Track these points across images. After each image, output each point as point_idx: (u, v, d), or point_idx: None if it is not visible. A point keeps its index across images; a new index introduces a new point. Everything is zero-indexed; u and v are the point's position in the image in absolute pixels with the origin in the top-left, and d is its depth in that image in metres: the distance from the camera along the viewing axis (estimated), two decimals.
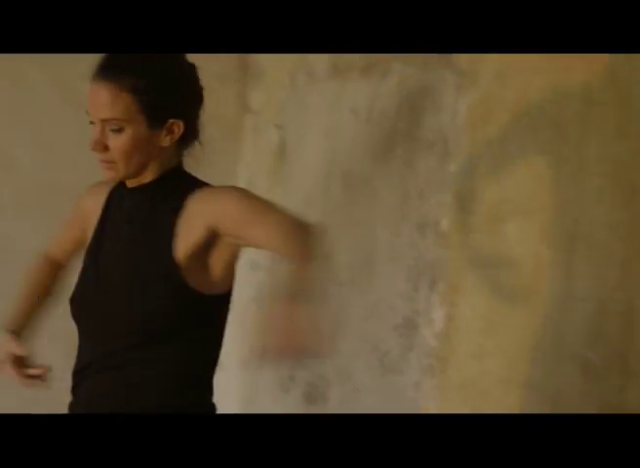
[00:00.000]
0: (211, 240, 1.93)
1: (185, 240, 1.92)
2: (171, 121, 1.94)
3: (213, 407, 2.03)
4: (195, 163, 2.07)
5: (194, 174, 2.05)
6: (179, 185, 1.97)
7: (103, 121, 1.88)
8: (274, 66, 3.59)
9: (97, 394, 1.96)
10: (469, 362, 2.69)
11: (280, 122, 3.54)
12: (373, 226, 3.04)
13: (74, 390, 2.02)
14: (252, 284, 3.58)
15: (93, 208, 2.08)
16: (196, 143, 2.06)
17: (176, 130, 1.95)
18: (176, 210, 1.92)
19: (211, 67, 3.62)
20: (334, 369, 3.13)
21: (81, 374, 1.99)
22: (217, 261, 1.95)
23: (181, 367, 1.95)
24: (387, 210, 2.99)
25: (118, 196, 2.02)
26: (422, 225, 2.83)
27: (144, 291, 1.90)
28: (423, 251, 2.83)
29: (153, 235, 1.93)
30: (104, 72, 1.88)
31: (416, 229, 2.85)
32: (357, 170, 3.13)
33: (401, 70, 2.96)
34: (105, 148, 1.90)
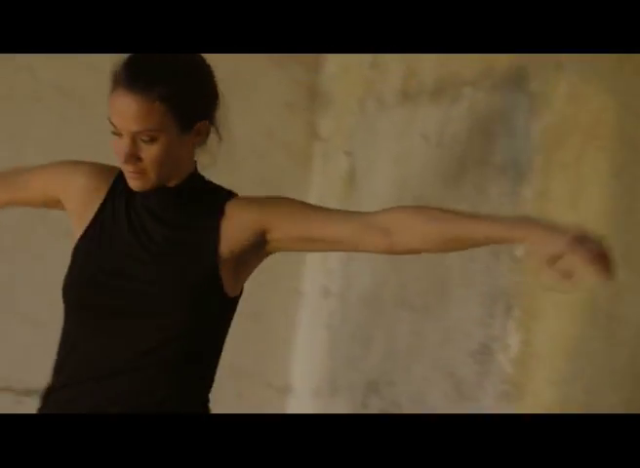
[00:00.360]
0: (255, 246, 1.95)
1: (229, 245, 1.93)
2: (199, 123, 1.94)
3: (208, 407, 2.03)
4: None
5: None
6: (206, 190, 2.01)
7: (135, 133, 1.84)
8: (343, 93, 3.59)
9: (108, 399, 1.91)
10: (547, 388, 2.64)
11: (349, 149, 3.54)
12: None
13: (69, 399, 1.95)
14: (323, 311, 3.57)
15: (85, 189, 2.02)
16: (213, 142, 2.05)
17: (204, 131, 1.96)
18: (216, 215, 1.94)
19: (281, 96, 3.69)
20: (407, 395, 3.10)
21: (87, 380, 1.94)
22: (250, 266, 2.00)
23: (193, 366, 1.96)
24: None
25: (129, 192, 1.95)
26: (497, 251, 2.80)
27: (181, 290, 1.90)
28: (498, 276, 2.80)
29: (193, 238, 1.93)
30: (132, 83, 1.82)
31: (490, 255, 2.81)
32: (428, 195, 3.11)
33: (472, 94, 2.95)
34: (138, 159, 1.87)
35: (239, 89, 3.66)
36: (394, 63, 3.26)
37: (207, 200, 1.97)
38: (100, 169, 2.06)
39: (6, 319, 3.33)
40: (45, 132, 3.44)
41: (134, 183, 1.89)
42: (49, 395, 2.02)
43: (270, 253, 2.02)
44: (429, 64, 3.08)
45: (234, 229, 1.94)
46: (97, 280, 1.94)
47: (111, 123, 1.85)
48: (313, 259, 3.69)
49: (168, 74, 1.86)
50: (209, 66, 1.99)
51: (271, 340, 3.71)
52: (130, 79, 1.83)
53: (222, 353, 3.60)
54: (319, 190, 3.71)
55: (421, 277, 3.08)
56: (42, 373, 3.41)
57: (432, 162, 3.10)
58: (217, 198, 1.98)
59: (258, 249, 1.97)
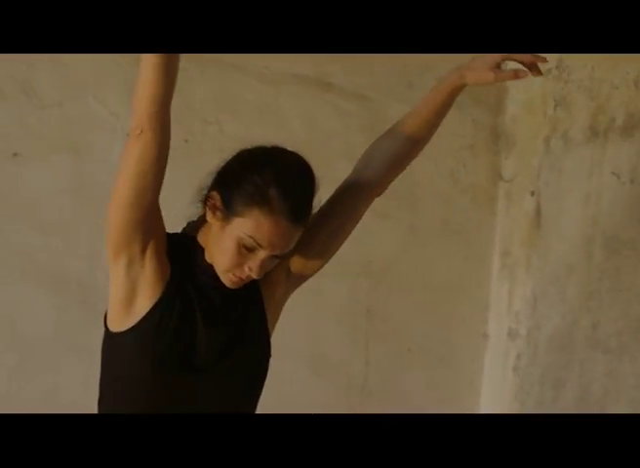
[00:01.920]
0: (286, 283, 2.08)
1: (271, 312, 2.06)
2: None
3: None
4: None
5: None
6: None
7: (277, 254, 1.91)
8: (526, 133, 3.55)
9: None
10: None
11: (535, 189, 3.48)
12: None
13: None
14: (510, 354, 3.51)
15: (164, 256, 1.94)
16: None
17: None
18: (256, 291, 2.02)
19: (463, 138, 3.67)
20: None
21: None
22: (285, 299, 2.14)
23: None
24: None
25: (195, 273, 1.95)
26: None
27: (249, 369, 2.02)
28: None
29: (250, 317, 2.01)
30: (300, 217, 1.91)
31: None
32: (621, 234, 3.02)
33: None
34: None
35: None
36: (581, 101, 3.21)
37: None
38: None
39: None
40: None
41: (234, 284, 1.94)
42: None
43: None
44: (620, 100, 3.01)
45: (271, 296, 2.07)
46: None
47: (253, 239, 1.88)
48: (499, 302, 3.64)
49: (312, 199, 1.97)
50: None
51: (458, 385, 3.67)
52: (295, 214, 1.89)
53: (410, 398, 3.62)
54: (504, 232, 3.66)
55: (616, 317, 2.99)
56: None
57: (624, 200, 3.01)
58: None
59: (287, 283, 2.10)
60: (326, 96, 3.53)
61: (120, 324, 1.89)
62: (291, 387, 3.51)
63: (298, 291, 3.52)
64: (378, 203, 3.68)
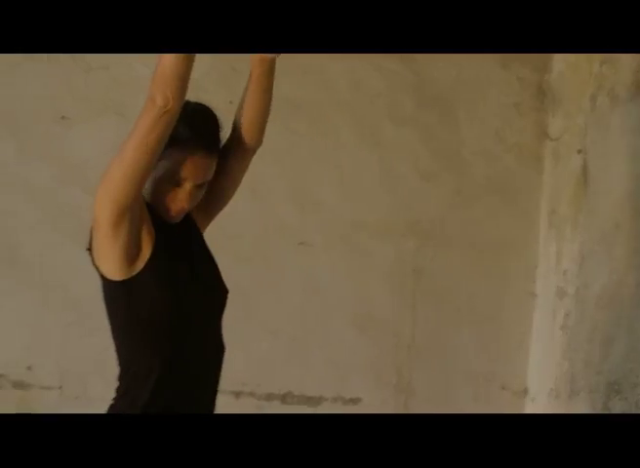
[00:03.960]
0: None
1: None
2: None
3: None
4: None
5: None
6: None
7: (200, 184, 2.17)
8: (572, 91, 3.52)
9: None
10: None
11: (582, 147, 3.46)
12: None
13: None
14: (558, 313, 3.51)
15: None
16: None
17: None
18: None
19: (508, 97, 3.65)
20: None
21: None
22: None
23: None
24: None
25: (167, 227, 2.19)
26: None
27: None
28: None
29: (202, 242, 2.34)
30: (214, 147, 2.18)
31: None
32: None
33: None
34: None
35: (466, 92, 3.67)
36: (626, 57, 3.17)
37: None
38: None
39: (246, 326, 3.45)
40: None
41: (175, 218, 2.20)
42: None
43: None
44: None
45: None
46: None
47: (180, 177, 2.13)
48: (546, 261, 3.64)
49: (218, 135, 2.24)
50: None
51: (506, 344, 3.68)
52: (214, 144, 2.19)
53: (458, 357, 3.64)
54: (551, 191, 3.65)
55: None
56: (281, 379, 3.55)
57: None
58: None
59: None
60: (370, 55, 3.52)
61: (128, 272, 2.09)
62: (339, 347, 3.55)
63: (346, 250, 3.56)
64: (423, 163, 3.71)
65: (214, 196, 2.32)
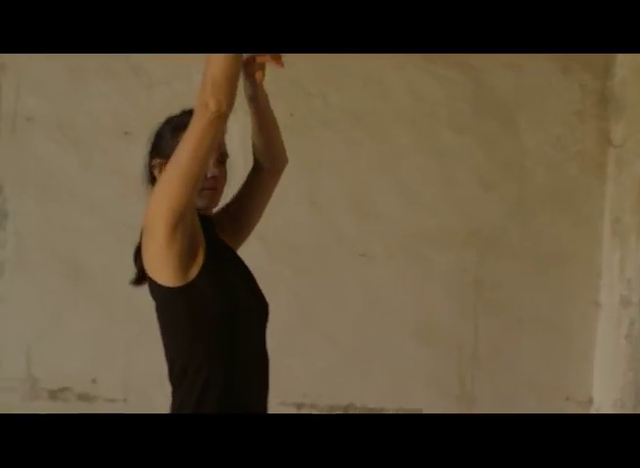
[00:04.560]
0: None
1: None
2: None
3: None
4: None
5: None
6: None
7: (219, 159, 2.24)
8: (636, 97, 3.47)
9: None
10: None
11: None
12: None
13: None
14: (623, 322, 3.46)
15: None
16: None
17: None
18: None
19: (570, 104, 3.61)
20: None
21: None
22: None
23: None
24: None
25: (211, 236, 2.24)
26: None
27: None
28: None
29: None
30: None
31: None
32: None
33: None
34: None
35: (526, 99, 3.64)
36: None
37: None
38: None
39: (307, 337, 3.46)
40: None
41: (207, 201, 2.25)
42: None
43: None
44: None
45: None
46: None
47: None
48: (610, 269, 3.59)
49: None
50: None
51: (570, 354, 3.64)
52: None
53: (521, 368, 3.60)
54: (614, 198, 3.60)
55: None
56: (342, 391, 3.55)
57: None
58: None
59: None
60: (429, 65, 3.52)
61: (184, 278, 2.12)
62: (400, 358, 3.53)
63: (406, 260, 3.56)
64: (484, 172, 3.69)
65: (242, 222, 2.39)
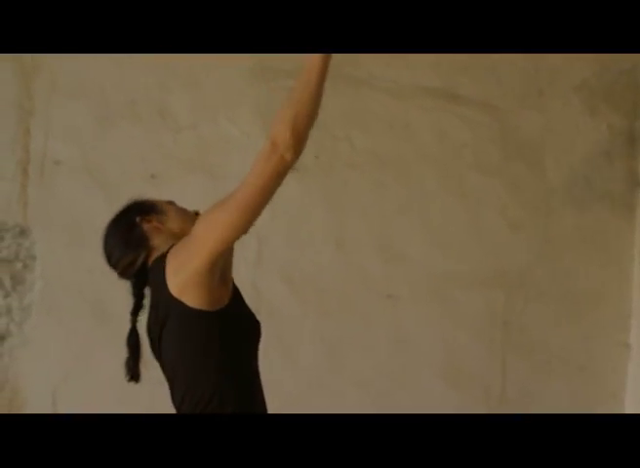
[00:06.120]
0: None
1: None
2: None
3: None
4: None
5: None
6: None
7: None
8: None
9: None
10: None
11: None
12: None
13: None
14: None
15: None
16: None
17: None
18: None
19: (598, 145, 3.60)
20: None
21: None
22: None
23: None
24: None
25: None
26: None
27: None
28: None
29: None
30: None
31: None
32: None
33: None
34: None
35: (553, 141, 3.64)
36: None
37: None
38: None
39: (334, 380, 3.44)
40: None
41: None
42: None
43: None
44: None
45: None
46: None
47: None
48: None
49: None
50: None
51: (600, 395, 3.60)
52: None
53: (550, 410, 3.56)
54: None
55: None
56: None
57: None
58: None
59: None
60: (455, 107, 3.53)
61: (219, 301, 2.18)
62: (428, 399, 3.51)
63: (433, 302, 3.54)
64: (511, 213, 3.68)
65: None
